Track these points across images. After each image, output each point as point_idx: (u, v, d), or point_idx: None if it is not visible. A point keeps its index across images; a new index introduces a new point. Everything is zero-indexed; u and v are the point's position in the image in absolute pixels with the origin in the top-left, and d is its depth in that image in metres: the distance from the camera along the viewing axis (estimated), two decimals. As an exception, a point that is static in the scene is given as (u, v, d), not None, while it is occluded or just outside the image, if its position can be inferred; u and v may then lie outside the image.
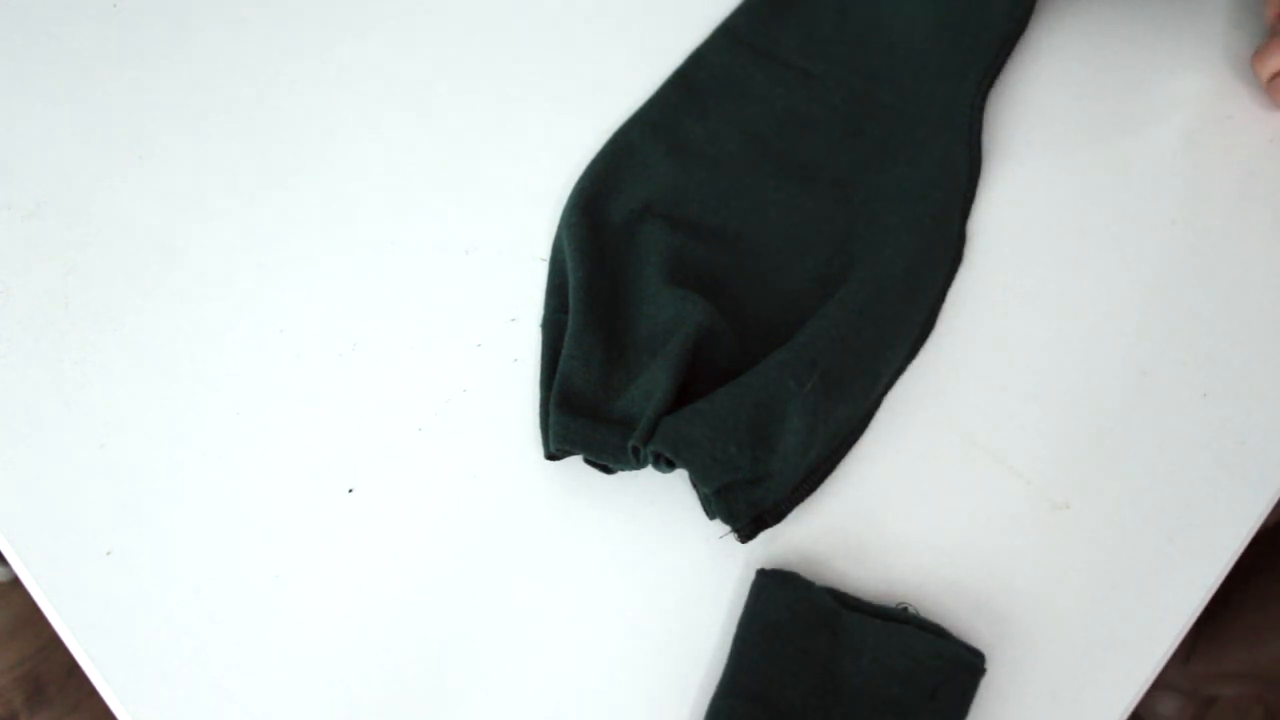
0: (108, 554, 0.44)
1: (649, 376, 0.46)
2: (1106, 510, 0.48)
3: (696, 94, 0.59)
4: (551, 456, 0.46)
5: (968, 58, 0.60)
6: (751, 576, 0.45)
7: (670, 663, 0.43)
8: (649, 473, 0.47)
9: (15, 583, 1.13)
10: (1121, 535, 0.47)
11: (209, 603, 0.44)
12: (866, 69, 0.61)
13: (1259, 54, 0.61)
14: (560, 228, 0.53)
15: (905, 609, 0.44)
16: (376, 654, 0.43)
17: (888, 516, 0.47)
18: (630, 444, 0.44)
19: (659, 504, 0.47)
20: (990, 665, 0.44)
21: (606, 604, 0.45)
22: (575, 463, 0.47)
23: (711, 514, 0.44)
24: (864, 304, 0.49)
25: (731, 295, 0.51)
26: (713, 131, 0.58)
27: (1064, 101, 0.61)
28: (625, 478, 0.47)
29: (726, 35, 0.61)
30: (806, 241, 0.54)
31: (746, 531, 0.44)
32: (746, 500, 0.44)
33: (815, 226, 0.54)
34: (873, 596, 0.45)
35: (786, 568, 0.45)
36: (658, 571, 0.45)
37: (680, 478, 0.47)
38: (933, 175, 0.56)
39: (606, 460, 0.45)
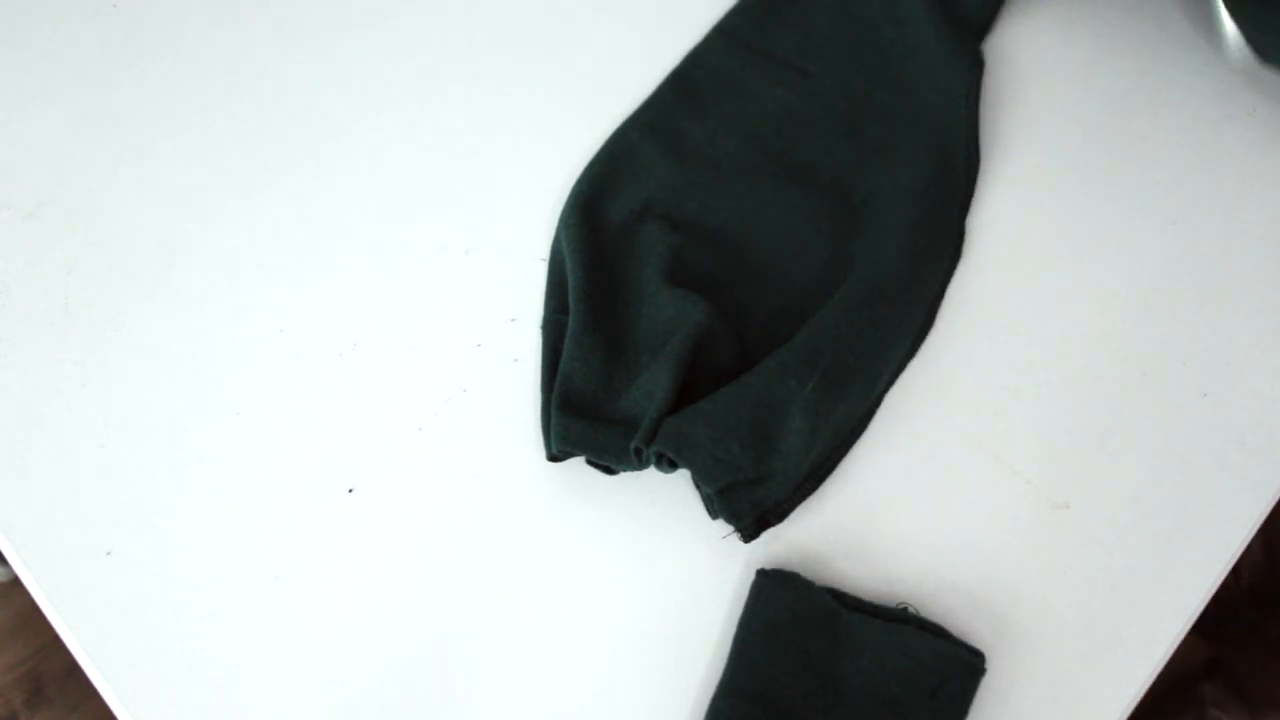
0: (108, 554, 0.44)
1: (650, 376, 0.46)
2: (1106, 510, 0.48)
3: (694, 94, 0.59)
4: (554, 458, 0.46)
5: (961, 52, 0.60)
6: (752, 576, 0.45)
7: (670, 663, 0.43)
8: (650, 473, 0.47)
9: (15, 583, 1.13)
10: (1121, 535, 0.47)
11: (209, 603, 0.44)
12: (864, 68, 0.60)
13: None
14: (559, 228, 0.53)
15: (905, 609, 0.44)
16: (377, 654, 0.43)
17: (888, 516, 0.47)
18: (633, 445, 0.44)
19: (660, 504, 0.47)
20: (990, 665, 0.44)
21: (607, 604, 0.44)
22: (575, 463, 0.47)
23: (714, 514, 0.44)
24: (864, 303, 0.49)
25: (731, 295, 0.51)
26: (711, 132, 0.58)
27: (1064, 100, 0.61)
28: (626, 478, 0.47)
29: (723, 35, 0.61)
30: (806, 241, 0.54)
31: (749, 531, 0.44)
32: (749, 500, 0.44)
33: (814, 226, 0.54)
34: (873, 596, 0.45)
35: (787, 568, 0.45)
36: (658, 571, 0.45)
37: (681, 478, 0.47)
38: (931, 173, 0.56)
39: (609, 461, 0.45)
